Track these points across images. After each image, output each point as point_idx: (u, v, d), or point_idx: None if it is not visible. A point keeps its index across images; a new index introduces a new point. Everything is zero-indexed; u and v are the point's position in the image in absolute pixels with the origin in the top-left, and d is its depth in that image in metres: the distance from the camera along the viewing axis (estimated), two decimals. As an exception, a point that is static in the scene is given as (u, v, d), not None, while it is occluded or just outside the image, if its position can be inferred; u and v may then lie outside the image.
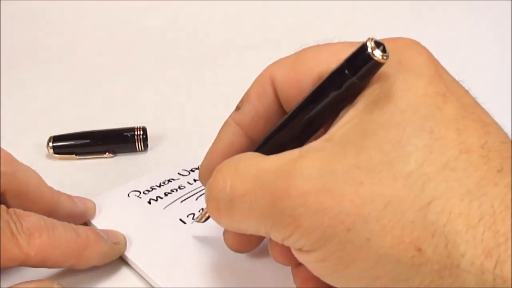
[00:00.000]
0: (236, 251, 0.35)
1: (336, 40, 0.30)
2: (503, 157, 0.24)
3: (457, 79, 0.27)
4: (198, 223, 0.37)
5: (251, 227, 0.27)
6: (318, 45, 0.30)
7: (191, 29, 0.71)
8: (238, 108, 0.32)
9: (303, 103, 0.28)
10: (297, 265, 0.30)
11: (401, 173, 0.23)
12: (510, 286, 0.21)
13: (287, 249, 0.27)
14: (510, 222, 0.22)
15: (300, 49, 0.30)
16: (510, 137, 0.26)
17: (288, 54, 0.31)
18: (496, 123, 0.26)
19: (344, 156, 0.24)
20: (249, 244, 0.34)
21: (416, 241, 0.23)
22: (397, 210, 0.23)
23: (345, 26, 0.71)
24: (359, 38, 0.28)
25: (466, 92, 0.27)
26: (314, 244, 0.24)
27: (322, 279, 0.26)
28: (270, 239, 0.29)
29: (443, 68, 0.27)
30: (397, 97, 0.25)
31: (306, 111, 0.28)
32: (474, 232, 0.22)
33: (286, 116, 0.29)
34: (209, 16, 0.73)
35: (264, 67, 0.32)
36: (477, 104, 0.26)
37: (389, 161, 0.24)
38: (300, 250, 0.25)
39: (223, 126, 0.33)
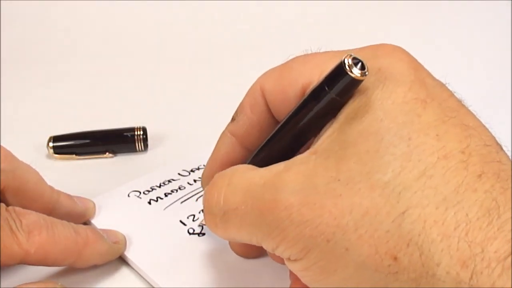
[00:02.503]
0: (242, 256, 0.35)
1: (323, 49, 0.30)
2: (485, 162, 0.24)
3: (443, 82, 0.27)
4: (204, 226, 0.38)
5: (245, 238, 0.28)
6: (305, 55, 0.30)
7: (191, 29, 0.71)
8: (233, 119, 0.33)
9: (289, 117, 0.29)
10: None
11: (378, 183, 0.24)
12: None
13: None
14: (486, 231, 0.22)
15: (289, 58, 0.31)
16: (510, 137, 0.25)
17: (288, 55, 0.32)
18: (481, 125, 0.26)
19: (326, 168, 0.25)
20: (255, 250, 0.35)
21: (392, 250, 0.23)
22: (373, 220, 0.23)
23: (345, 26, 0.71)
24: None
25: (450, 95, 0.27)
26: (299, 254, 0.25)
27: (309, 286, 0.26)
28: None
29: (426, 73, 0.27)
30: (375, 106, 0.25)
31: (292, 125, 0.29)
32: (449, 241, 0.22)
33: (275, 130, 0.30)
34: (209, 16, 0.73)
35: (264, 67, 0.32)
36: (461, 107, 0.26)
37: (367, 172, 0.24)
38: (288, 259, 0.26)
39: (220, 137, 0.34)
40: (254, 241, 0.27)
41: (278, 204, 0.25)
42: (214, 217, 0.29)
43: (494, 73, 0.60)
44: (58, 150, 0.47)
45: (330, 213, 0.24)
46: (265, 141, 0.31)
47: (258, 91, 0.31)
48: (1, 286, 0.34)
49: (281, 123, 0.30)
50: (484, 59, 0.63)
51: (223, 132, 0.34)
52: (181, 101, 0.57)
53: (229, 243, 0.35)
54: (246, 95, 0.32)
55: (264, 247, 0.27)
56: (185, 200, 0.41)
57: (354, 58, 0.25)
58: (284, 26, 0.71)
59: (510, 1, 0.72)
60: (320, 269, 0.25)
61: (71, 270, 0.35)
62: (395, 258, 0.23)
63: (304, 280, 0.26)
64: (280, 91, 0.30)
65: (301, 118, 0.28)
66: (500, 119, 0.26)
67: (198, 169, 0.44)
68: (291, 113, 0.29)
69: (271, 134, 0.30)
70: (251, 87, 0.32)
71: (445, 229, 0.22)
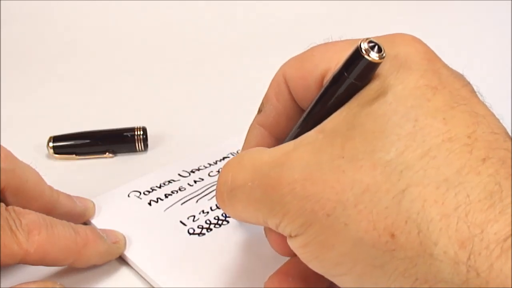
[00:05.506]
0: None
1: (343, 38, 0.31)
2: (491, 148, 0.24)
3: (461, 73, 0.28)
4: None
5: (251, 216, 0.28)
6: (325, 43, 0.31)
7: (191, 29, 0.71)
8: (260, 110, 0.34)
9: (313, 105, 0.29)
10: (291, 255, 0.30)
11: (381, 161, 0.24)
12: (482, 281, 0.21)
13: (283, 239, 0.28)
14: (488, 213, 0.22)
15: (309, 47, 0.31)
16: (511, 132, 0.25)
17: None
18: (491, 115, 0.26)
19: (332, 147, 0.25)
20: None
21: (389, 227, 0.23)
22: (373, 196, 0.24)
23: (346, 26, 0.71)
24: (360, 37, 0.28)
25: (464, 85, 0.27)
26: (299, 229, 0.25)
27: (308, 265, 0.27)
28: (267, 229, 0.30)
29: (441, 64, 0.28)
30: (386, 91, 0.26)
31: (316, 112, 0.29)
32: (448, 221, 0.22)
33: (301, 119, 0.30)
34: (209, 16, 0.73)
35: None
36: (473, 97, 0.26)
37: (371, 150, 0.24)
38: (290, 236, 0.26)
39: (249, 130, 0.34)
40: (261, 218, 0.28)
41: (282, 181, 0.26)
42: (222, 194, 0.29)
43: (493, 73, 0.60)
44: (58, 150, 0.47)
45: (332, 188, 0.24)
46: (292, 131, 0.31)
47: (281, 79, 0.32)
48: (1, 286, 0.34)
49: (306, 111, 0.30)
50: (484, 59, 0.63)
51: (252, 124, 0.34)
52: (181, 101, 0.57)
53: (266, 236, 0.34)
54: (270, 85, 0.33)
55: (270, 225, 0.27)
56: (185, 202, 0.41)
57: (370, 42, 0.25)
58: (285, 27, 0.71)
59: (510, 1, 0.72)
60: (319, 245, 0.25)
61: (71, 270, 0.35)
62: (393, 235, 0.23)
63: (303, 257, 0.27)
64: (301, 78, 0.31)
65: (324, 105, 0.28)
66: (499, 119, 0.26)
67: (198, 169, 0.44)
68: (315, 100, 0.29)
69: (298, 123, 0.30)
70: (274, 76, 0.32)
71: (444, 209, 0.22)
